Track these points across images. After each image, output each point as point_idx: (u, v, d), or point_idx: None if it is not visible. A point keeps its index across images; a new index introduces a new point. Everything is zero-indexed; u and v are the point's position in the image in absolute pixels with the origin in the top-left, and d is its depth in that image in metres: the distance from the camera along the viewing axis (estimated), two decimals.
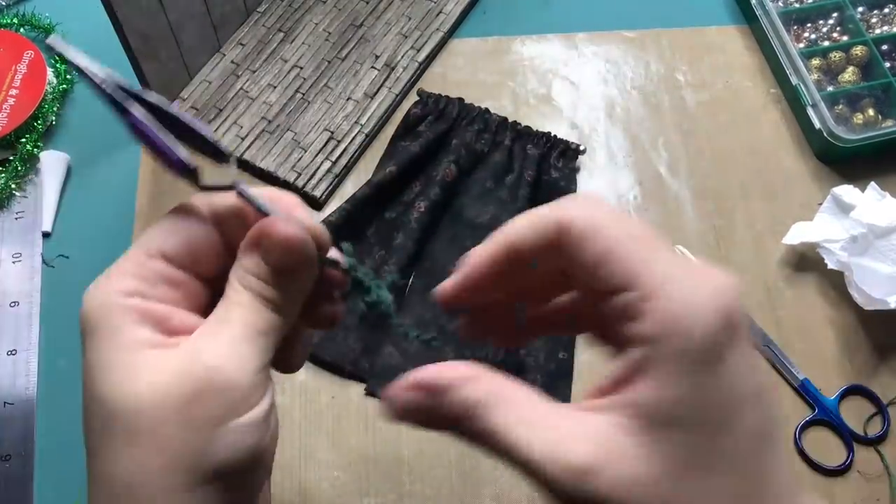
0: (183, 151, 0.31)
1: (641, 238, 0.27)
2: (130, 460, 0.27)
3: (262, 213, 0.30)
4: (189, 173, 0.30)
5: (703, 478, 0.25)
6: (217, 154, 0.31)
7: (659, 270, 0.26)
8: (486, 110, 0.58)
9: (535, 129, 0.57)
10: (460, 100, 0.58)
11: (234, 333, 0.28)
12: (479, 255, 0.30)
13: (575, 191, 0.56)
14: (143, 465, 0.27)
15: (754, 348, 0.26)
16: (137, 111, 0.32)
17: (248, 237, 0.30)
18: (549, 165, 0.56)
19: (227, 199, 0.31)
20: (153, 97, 0.32)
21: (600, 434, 0.25)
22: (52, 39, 0.32)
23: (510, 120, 0.57)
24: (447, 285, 0.31)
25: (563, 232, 0.28)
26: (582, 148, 0.57)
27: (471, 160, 0.56)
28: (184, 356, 0.28)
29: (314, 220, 0.31)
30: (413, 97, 0.60)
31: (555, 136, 0.57)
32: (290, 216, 0.30)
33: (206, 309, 0.31)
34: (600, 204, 0.28)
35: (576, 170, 0.57)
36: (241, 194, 0.30)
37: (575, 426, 0.26)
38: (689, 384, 0.25)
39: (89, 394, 0.28)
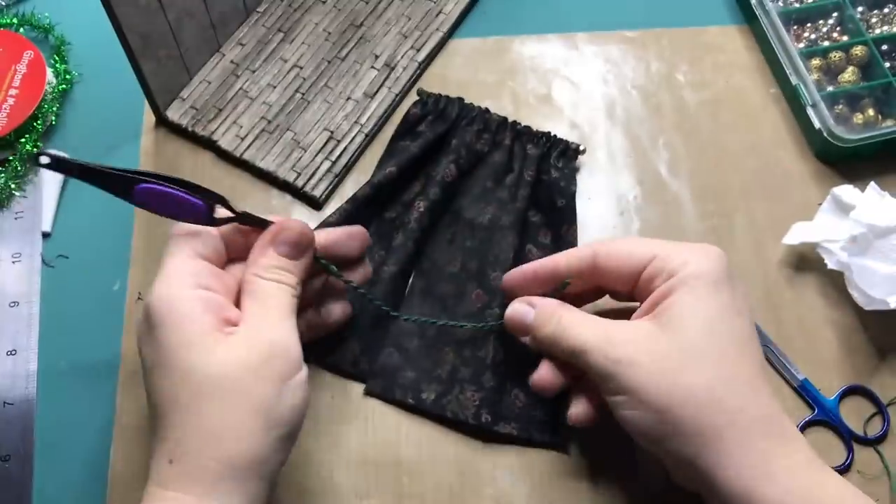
0: (196, 198, 0.41)
1: (649, 239, 0.44)
2: (222, 412, 0.35)
3: (265, 224, 0.42)
4: (209, 217, 0.41)
5: (708, 364, 0.38)
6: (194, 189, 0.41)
7: (668, 245, 0.42)
8: (486, 110, 0.58)
9: (535, 128, 0.57)
10: (460, 99, 0.58)
11: (277, 314, 0.39)
12: (531, 269, 0.46)
13: (574, 191, 0.55)
14: (232, 413, 0.35)
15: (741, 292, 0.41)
16: (146, 184, 0.41)
17: (263, 240, 0.41)
18: (549, 165, 0.56)
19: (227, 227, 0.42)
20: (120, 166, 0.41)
21: (637, 331, 0.40)
22: (44, 157, 0.40)
23: (510, 120, 0.57)
24: (508, 278, 0.47)
25: (597, 256, 0.44)
26: (582, 148, 0.57)
27: (471, 160, 0.56)
28: (248, 334, 0.37)
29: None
30: (413, 97, 0.60)
31: (555, 135, 0.57)
32: (286, 220, 0.42)
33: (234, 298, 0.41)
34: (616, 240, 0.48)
35: (576, 169, 0.57)
36: (249, 215, 0.42)
37: (618, 330, 0.41)
38: (698, 299, 0.39)
39: (172, 368, 0.36)
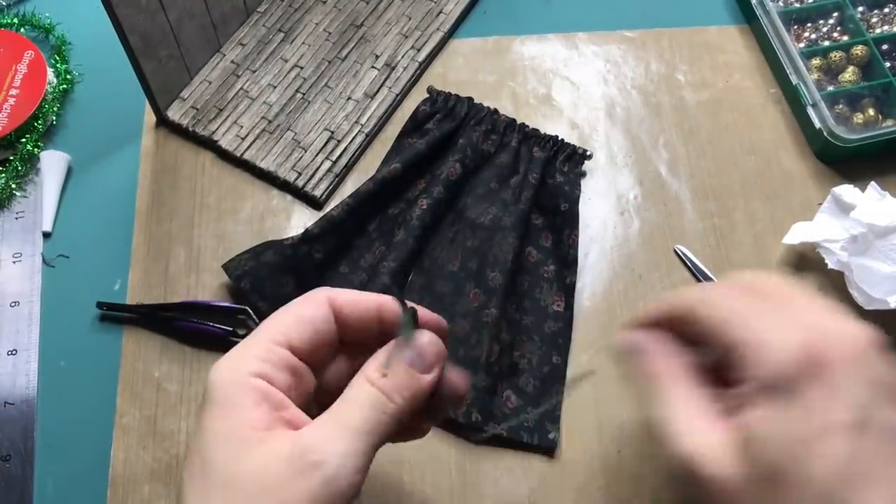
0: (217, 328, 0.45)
1: (743, 309, 0.34)
2: None
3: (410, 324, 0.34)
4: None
5: (780, 490, 0.30)
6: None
7: (758, 329, 0.33)
8: (495, 111, 0.58)
9: (543, 132, 0.57)
10: (469, 99, 0.58)
11: (349, 431, 0.32)
12: (644, 315, 0.39)
13: (579, 196, 0.55)
14: None
15: (852, 383, 0.31)
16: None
17: (402, 342, 0.34)
18: (554, 169, 0.56)
19: (368, 302, 0.35)
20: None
21: (714, 444, 0.32)
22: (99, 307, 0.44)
23: (518, 122, 0.57)
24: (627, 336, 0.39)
25: (690, 313, 0.36)
26: (589, 153, 0.57)
27: (476, 160, 0.56)
28: (293, 441, 0.31)
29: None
30: (417, 95, 0.60)
31: (562, 139, 0.57)
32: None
33: (310, 398, 0.35)
34: (720, 289, 0.37)
35: (581, 174, 0.57)
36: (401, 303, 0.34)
37: (706, 438, 0.33)
38: (775, 414, 0.31)
39: (203, 457, 0.31)
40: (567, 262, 0.53)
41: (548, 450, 0.48)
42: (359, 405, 0.32)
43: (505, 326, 0.50)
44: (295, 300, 0.35)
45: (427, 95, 0.59)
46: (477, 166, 0.56)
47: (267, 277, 0.51)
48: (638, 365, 0.37)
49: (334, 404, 0.33)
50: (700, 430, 0.34)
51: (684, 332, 0.37)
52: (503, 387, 0.50)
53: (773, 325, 0.33)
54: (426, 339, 0.34)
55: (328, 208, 0.56)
